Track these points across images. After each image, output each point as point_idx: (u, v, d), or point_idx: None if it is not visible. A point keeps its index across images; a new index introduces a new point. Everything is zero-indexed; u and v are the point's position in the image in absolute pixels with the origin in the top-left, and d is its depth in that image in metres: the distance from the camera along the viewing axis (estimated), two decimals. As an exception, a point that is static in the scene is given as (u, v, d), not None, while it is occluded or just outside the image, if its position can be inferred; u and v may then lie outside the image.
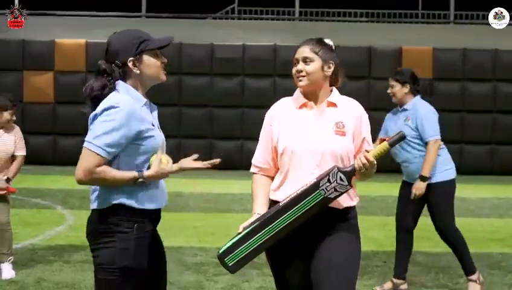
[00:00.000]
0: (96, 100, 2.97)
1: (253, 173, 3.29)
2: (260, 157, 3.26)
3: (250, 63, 14.97)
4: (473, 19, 17.67)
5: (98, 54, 14.00)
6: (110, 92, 2.96)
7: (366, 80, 15.12)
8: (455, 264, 6.38)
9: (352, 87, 15.12)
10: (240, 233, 3.04)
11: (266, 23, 16.81)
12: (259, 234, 3.03)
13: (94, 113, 2.92)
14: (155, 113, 3.10)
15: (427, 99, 5.62)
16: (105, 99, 2.93)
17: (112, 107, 2.86)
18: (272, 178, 3.25)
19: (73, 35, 15.52)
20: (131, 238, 2.90)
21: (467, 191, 11.51)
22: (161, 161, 2.93)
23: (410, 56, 15.22)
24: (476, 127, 14.87)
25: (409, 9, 18.22)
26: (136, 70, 2.99)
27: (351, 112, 3.18)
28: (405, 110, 5.45)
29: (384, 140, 3.04)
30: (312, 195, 3.01)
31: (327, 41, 3.29)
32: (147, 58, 3.00)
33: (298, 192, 3.03)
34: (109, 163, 2.89)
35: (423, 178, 5.29)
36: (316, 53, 3.21)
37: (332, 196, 3.00)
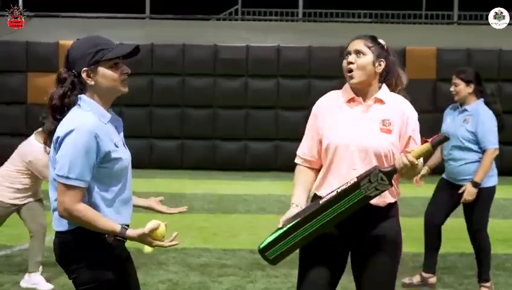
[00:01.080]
0: (56, 110, 2.83)
1: (297, 164, 3.30)
2: (305, 148, 3.26)
3: (253, 64, 14.97)
4: (476, 19, 17.65)
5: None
6: (71, 104, 2.81)
7: (370, 80, 15.12)
8: (460, 265, 6.40)
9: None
10: (280, 228, 3.07)
11: (270, 24, 16.81)
12: (300, 230, 3.06)
13: (57, 136, 2.75)
14: (120, 127, 2.90)
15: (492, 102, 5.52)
16: (65, 119, 2.78)
17: (72, 130, 2.70)
18: (316, 170, 3.25)
19: (77, 37, 15.37)
20: (105, 254, 2.79)
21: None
22: (155, 234, 2.73)
23: (413, 56, 15.20)
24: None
25: (412, 9, 18.21)
26: (91, 82, 2.80)
27: (399, 109, 3.15)
28: (465, 110, 5.40)
29: (426, 141, 3.01)
30: (353, 194, 3.01)
31: (380, 40, 3.28)
32: (102, 69, 2.79)
33: (339, 190, 3.03)
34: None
35: (476, 184, 5.29)
36: (369, 48, 3.19)
37: (372, 194, 3.01)
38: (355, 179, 3.00)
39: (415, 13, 18.21)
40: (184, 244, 6.93)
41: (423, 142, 3.05)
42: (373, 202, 3.08)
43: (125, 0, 18.02)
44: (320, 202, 3.06)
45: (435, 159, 5.72)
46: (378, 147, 3.07)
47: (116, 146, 2.79)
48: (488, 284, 5.40)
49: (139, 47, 2.94)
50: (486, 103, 5.42)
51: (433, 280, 5.61)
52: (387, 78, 3.25)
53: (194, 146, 14.66)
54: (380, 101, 3.16)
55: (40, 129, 5.61)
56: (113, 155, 2.76)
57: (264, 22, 17.13)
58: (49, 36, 15.47)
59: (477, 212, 5.41)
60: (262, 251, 3.11)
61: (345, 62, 3.19)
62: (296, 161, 3.30)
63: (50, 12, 16.37)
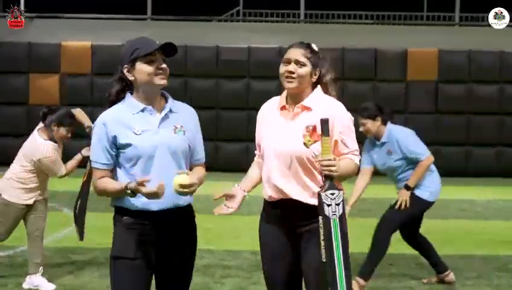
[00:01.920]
0: (112, 104, 3.22)
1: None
2: (258, 149, 3.50)
3: (255, 65, 14.99)
4: (478, 20, 17.66)
5: (103, 57, 14.12)
6: (120, 99, 3.21)
7: (372, 82, 15.12)
8: (463, 267, 6.40)
9: (359, 89, 15.15)
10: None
11: (271, 26, 16.83)
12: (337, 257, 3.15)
13: None
14: (168, 117, 3.18)
15: None
16: None
17: (96, 123, 3.18)
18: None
19: (79, 38, 15.56)
20: (117, 232, 3.18)
21: (473, 193, 11.52)
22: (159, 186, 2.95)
23: (415, 58, 15.21)
24: (482, 129, 14.86)
25: (414, 11, 18.23)
26: (131, 77, 3.16)
27: (325, 114, 3.19)
28: (383, 143, 5.56)
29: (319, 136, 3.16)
30: (332, 228, 3.10)
31: (315, 47, 3.39)
32: (139, 65, 3.13)
33: (324, 241, 3.11)
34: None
35: (408, 187, 5.48)
36: (308, 59, 3.31)
37: (342, 210, 3.10)
38: (321, 220, 3.09)
39: (416, 15, 18.22)
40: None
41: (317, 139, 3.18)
42: (301, 200, 3.25)
43: (127, 1, 18.06)
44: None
45: (358, 192, 5.67)
46: (300, 153, 3.21)
47: (136, 133, 3.09)
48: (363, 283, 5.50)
49: (174, 45, 3.19)
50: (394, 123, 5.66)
51: (450, 277, 5.74)
52: (319, 81, 3.38)
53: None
54: (307, 108, 3.28)
55: (41, 125, 5.60)
56: (122, 141, 3.09)
57: (266, 23, 17.16)
58: (51, 37, 15.49)
59: (394, 210, 5.56)
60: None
61: (283, 69, 3.32)
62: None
63: (52, 14, 16.38)
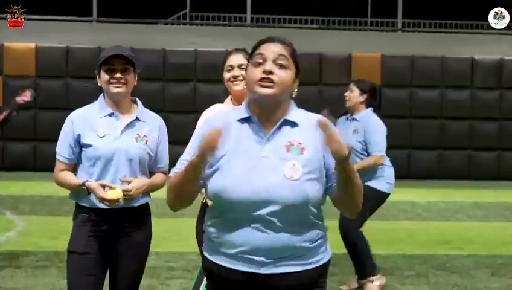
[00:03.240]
0: None
1: None
2: None
3: (202, 69, 15.02)
4: (420, 27, 18.10)
5: (48, 58, 13.94)
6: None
7: (317, 86, 15.33)
8: (403, 266, 6.59)
9: (304, 92, 15.32)
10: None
11: (218, 29, 16.90)
12: None
13: None
14: (133, 124, 3.34)
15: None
16: None
17: (67, 117, 3.38)
18: None
19: (21, 39, 15.32)
20: (74, 226, 3.37)
21: (414, 195, 11.80)
22: (110, 192, 3.21)
23: (359, 63, 15.49)
24: (424, 132, 15.22)
25: (358, 16, 18.55)
26: (99, 83, 3.38)
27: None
28: (355, 120, 5.56)
29: None
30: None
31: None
32: (101, 72, 3.33)
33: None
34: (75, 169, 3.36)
35: (345, 159, 5.41)
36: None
37: None
38: None
39: (360, 20, 18.55)
40: (168, 248, 6.93)
41: None
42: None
43: (73, 3, 17.86)
44: None
45: None
46: None
47: (99, 136, 3.26)
48: (368, 279, 5.47)
49: (124, 53, 3.34)
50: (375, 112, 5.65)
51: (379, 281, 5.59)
52: None
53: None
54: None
55: None
56: (84, 140, 3.28)
57: (213, 27, 17.21)
58: (-7, 38, 15.22)
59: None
60: None
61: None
62: None
63: (-5, 14, 16.07)
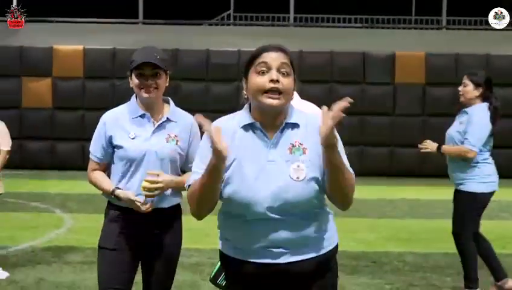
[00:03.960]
0: None
1: None
2: None
3: (245, 69, 15.16)
4: (465, 24, 17.90)
5: (95, 60, 14.22)
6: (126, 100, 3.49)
7: (360, 85, 15.31)
8: (444, 264, 6.59)
9: (347, 92, 15.34)
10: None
11: (261, 29, 17.01)
12: None
13: None
14: (164, 125, 3.37)
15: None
16: None
17: (101, 118, 3.44)
18: None
19: (71, 42, 15.69)
20: (105, 223, 3.45)
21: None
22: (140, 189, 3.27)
23: (403, 61, 15.42)
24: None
25: (402, 15, 18.45)
26: (131, 85, 3.40)
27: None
28: (465, 113, 5.31)
29: None
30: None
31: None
32: (133, 76, 3.35)
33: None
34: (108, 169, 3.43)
35: (438, 148, 5.33)
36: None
37: None
38: None
39: (404, 18, 18.43)
40: None
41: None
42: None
43: (119, 5, 18.19)
44: None
45: None
46: None
47: (130, 137, 3.33)
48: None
49: (152, 62, 3.29)
50: (490, 108, 5.29)
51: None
52: None
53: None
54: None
55: None
56: (115, 142, 3.34)
57: (256, 27, 17.33)
58: (43, 41, 15.61)
59: (458, 215, 5.37)
60: (214, 280, 3.31)
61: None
62: None
63: (44, 18, 16.51)
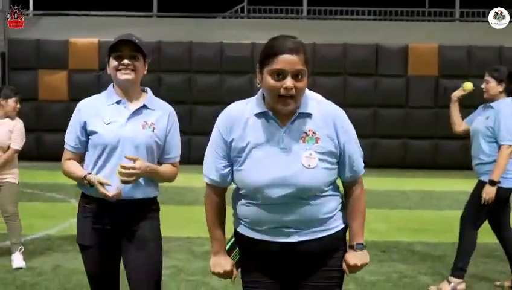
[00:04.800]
0: None
1: None
2: None
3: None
4: (478, 16, 17.86)
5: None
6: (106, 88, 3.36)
7: (373, 77, 15.35)
8: (451, 254, 6.67)
9: (360, 84, 15.38)
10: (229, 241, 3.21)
11: (275, 22, 17.08)
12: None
13: None
14: (140, 112, 3.23)
15: None
16: None
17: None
18: None
19: (86, 35, 15.84)
20: (78, 218, 3.34)
21: (469, 185, 11.73)
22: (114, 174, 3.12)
23: (416, 53, 15.43)
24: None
25: (415, 7, 18.43)
26: (108, 71, 3.29)
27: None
28: (490, 107, 5.29)
29: None
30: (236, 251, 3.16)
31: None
32: (110, 60, 3.25)
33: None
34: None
35: (492, 182, 5.14)
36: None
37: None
38: None
39: (417, 10, 18.41)
40: (188, 233, 7.24)
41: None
42: None
43: (133, -2, 18.32)
44: None
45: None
46: None
47: (104, 123, 3.19)
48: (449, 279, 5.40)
49: (130, 40, 3.21)
50: None
51: (461, 286, 5.41)
52: None
53: (201, 142, 14.90)
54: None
55: None
56: (89, 128, 3.21)
57: (269, 20, 17.39)
58: (59, 34, 15.78)
59: (472, 201, 5.38)
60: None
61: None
62: None
63: (60, 11, 16.68)
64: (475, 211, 5.37)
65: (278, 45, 2.51)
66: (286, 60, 2.47)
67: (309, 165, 2.53)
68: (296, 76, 2.48)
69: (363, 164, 2.71)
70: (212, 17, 17.57)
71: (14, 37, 15.61)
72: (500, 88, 5.29)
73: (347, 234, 2.78)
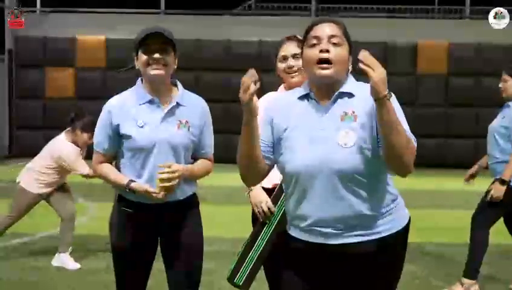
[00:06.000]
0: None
1: None
2: None
3: (266, 59, 15.15)
4: (488, 14, 17.69)
5: (118, 50, 14.30)
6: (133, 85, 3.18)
7: (382, 75, 15.25)
8: (463, 255, 6.57)
9: (369, 82, 15.28)
10: (238, 253, 3.30)
11: (283, 20, 16.99)
12: (254, 246, 3.29)
13: None
14: (173, 111, 3.09)
15: None
16: None
17: (103, 107, 3.15)
18: None
19: (94, 32, 15.79)
20: (117, 221, 3.23)
21: (482, 185, 11.64)
22: (156, 182, 3.02)
23: (425, 51, 15.32)
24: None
25: (425, 4, 18.31)
26: (137, 65, 3.12)
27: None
28: (507, 106, 5.20)
29: None
30: (282, 197, 3.15)
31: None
32: (139, 54, 3.08)
33: (271, 198, 3.27)
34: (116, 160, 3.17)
35: (502, 181, 5.06)
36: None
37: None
38: (279, 182, 3.20)
39: (427, 8, 18.30)
40: None
41: None
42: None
43: (141, -5, 18.27)
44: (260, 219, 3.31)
45: (486, 159, 5.57)
46: None
47: (138, 126, 3.04)
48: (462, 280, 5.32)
49: (160, 32, 3.05)
50: None
51: (475, 288, 5.33)
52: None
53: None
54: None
55: (69, 128, 5.93)
56: (124, 131, 3.05)
57: (277, 17, 17.31)
58: (66, 31, 15.74)
59: (485, 201, 5.28)
60: (230, 280, 3.31)
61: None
62: None
63: (67, 8, 16.63)
64: (487, 211, 5.27)
65: (315, 20, 2.55)
66: (321, 28, 2.47)
67: (345, 144, 2.36)
68: (333, 43, 2.43)
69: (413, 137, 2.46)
70: (219, 14, 17.50)
71: (21, 34, 15.56)
72: None
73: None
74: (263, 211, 3.29)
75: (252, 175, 2.56)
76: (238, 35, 15.52)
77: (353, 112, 2.42)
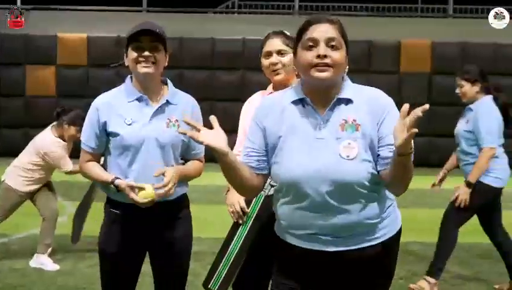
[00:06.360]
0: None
1: None
2: None
3: (250, 57, 15.10)
4: (472, 12, 17.77)
5: (99, 48, 14.18)
6: (122, 83, 3.14)
7: (366, 73, 15.23)
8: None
9: (353, 81, 15.27)
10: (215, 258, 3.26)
11: (266, 18, 16.93)
12: (228, 251, 3.25)
13: None
14: (163, 109, 3.04)
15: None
16: None
17: (91, 105, 3.10)
18: None
19: (75, 30, 15.64)
20: (105, 222, 3.15)
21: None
22: (141, 192, 2.94)
23: (409, 50, 15.31)
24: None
25: (408, 3, 18.33)
26: (127, 63, 3.06)
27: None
28: (470, 110, 5.14)
29: None
30: (255, 199, 3.17)
31: (289, 34, 3.29)
32: (129, 51, 3.02)
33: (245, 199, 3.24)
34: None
35: (468, 184, 5.07)
36: (287, 45, 3.26)
37: (271, 192, 3.00)
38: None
39: (410, 6, 18.33)
40: None
41: None
42: None
43: (123, -7, 18.14)
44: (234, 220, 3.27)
45: (452, 162, 5.59)
46: None
47: (126, 123, 2.99)
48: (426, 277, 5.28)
49: (154, 29, 3.01)
50: (495, 99, 5.16)
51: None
52: None
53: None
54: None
55: (55, 123, 5.84)
56: (111, 129, 3.00)
57: (261, 15, 17.26)
58: (47, 29, 15.57)
59: (486, 213, 5.30)
60: (205, 285, 3.26)
61: (267, 62, 3.37)
62: None
63: (48, 6, 16.46)
64: (458, 209, 5.23)
65: (311, 17, 2.41)
66: (317, 28, 2.34)
67: (348, 156, 2.28)
68: (331, 46, 2.32)
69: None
70: (203, 12, 17.40)
71: (1, 31, 15.38)
72: (476, 88, 5.13)
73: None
74: (237, 211, 3.24)
75: (250, 192, 2.53)
76: (222, 33, 15.43)
77: (354, 120, 2.34)
